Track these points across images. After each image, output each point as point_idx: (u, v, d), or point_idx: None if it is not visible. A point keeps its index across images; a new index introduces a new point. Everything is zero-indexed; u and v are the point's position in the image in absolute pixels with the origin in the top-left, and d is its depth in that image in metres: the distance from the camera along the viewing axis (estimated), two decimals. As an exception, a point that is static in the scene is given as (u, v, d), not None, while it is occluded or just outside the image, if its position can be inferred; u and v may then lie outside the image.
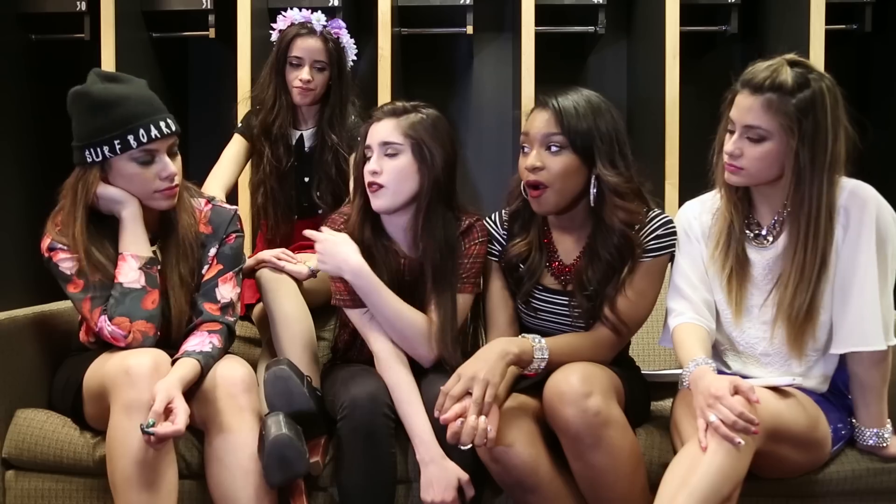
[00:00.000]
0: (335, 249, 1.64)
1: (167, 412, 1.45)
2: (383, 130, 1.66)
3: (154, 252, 1.68)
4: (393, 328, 1.67)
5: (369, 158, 1.67)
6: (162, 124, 1.61)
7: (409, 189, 1.67)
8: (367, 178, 1.66)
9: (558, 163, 1.57)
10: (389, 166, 1.65)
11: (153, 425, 1.41)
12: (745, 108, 1.52)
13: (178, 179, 1.66)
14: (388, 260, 1.70)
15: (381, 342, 1.68)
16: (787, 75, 1.50)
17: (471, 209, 1.77)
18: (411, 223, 1.70)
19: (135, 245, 1.64)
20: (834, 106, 1.51)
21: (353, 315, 1.71)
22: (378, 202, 1.66)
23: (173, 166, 1.64)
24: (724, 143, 1.58)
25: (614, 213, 1.58)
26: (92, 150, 1.60)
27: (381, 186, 1.65)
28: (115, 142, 1.58)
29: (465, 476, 1.57)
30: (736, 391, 1.38)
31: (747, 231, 1.63)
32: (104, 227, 1.66)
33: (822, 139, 1.50)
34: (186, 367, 1.55)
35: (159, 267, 1.68)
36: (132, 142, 1.59)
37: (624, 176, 1.58)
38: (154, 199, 1.66)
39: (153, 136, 1.60)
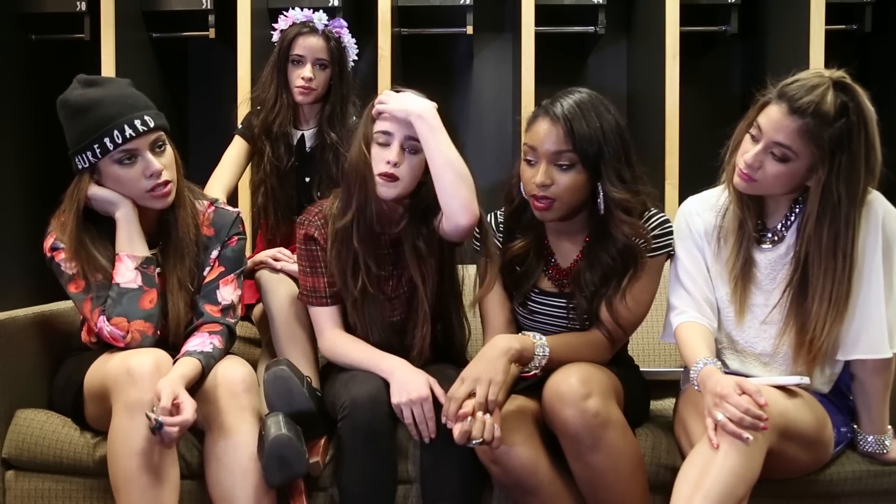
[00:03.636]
0: (407, 97, 1.60)
1: (173, 408, 1.45)
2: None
3: (154, 254, 1.68)
4: (453, 169, 1.60)
5: (382, 145, 1.64)
6: (137, 122, 1.58)
7: (413, 186, 1.68)
8: (385, 168, 1.62)
9: (568, 179, 1.55)
10: (411, 161, 1.64)
11: (161, 424, 1.41)
12: (779, 124, 1.47)
13: (167, 175, 1.63)
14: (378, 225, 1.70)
15: (333, 331, 1.73)
16: (830, 104, 1.44)
17: None
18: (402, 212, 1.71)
19: (130, 245, 1.64)
20: (868, 141, 1.48)
21: (317, 311, 1.74)
22: (390, 192, 1.65)
23: (157, 163, 1.61)
24: (743, 145, 1.55)
25: (619, 227, 1.56)
26: (80, 156, 1.61)
27: (395, 179, 1.63)
28: (95, 146, 1.58)
29: (433, 378, 1.58)
30: (742, 392, 1.37)
31: (753, 232, 1.62)
32: (104, 229, 1.66)
33: (857, 172, 1.48)
34: (187, 366, 1.55)
35: (159, 268, 1.67)
36: (108, 144, 1.57)
37: (630, 190, 1.56)
38: (147, 200, 1.64)
39: (128, 136, 1.57)
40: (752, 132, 1.53)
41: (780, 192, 1.57)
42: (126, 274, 1.62)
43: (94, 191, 1.63)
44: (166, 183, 1.63)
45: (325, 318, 1.75)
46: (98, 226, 1.66)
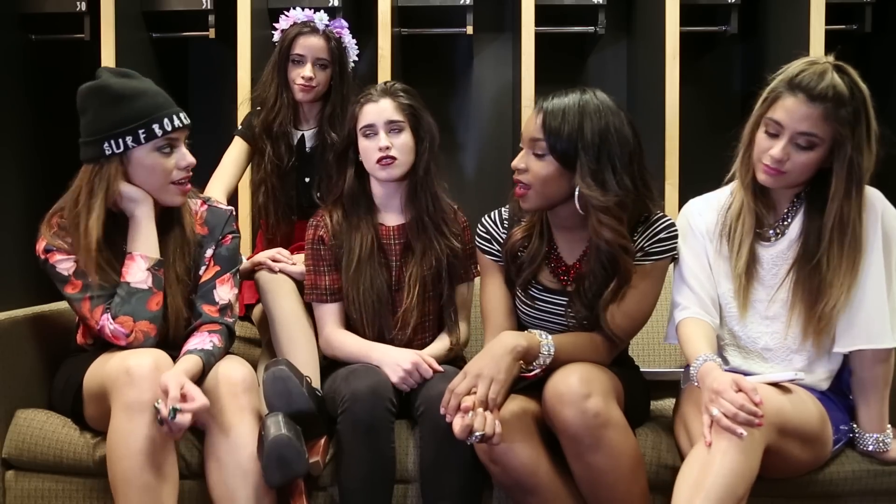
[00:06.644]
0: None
1: (182, 399, 1.47)
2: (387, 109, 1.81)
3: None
4: None
5: (368, 136, 1.81)
6: (182, 115, 1.67)
7: (410, 161, 1.84)
8: (380, 154, 1.79)
9: (541, 168, 1.56)
10: (398, 142, 1.80)
11: (175, 413, 1.44)
12: (800, 115, 1.51)
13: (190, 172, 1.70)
14: (367, 224, 1.85)
15: (332, 327, 1.85)
16: (842, 86, 1.50)
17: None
18: (403, 191, 1.87)
19: (145, 246, 1.65)
20: (869, 117, 1.53)
21: (319, 307, 1.86)
22: (393, 172, 1.81)
23: (190, 156, 1.68)
24: (759, 143, 1.58)
25: (598, 230, 1.55)
26: (112, 141, 1.61)
27: (393, 159, 1.80)
28: (140, 131, 1.61)
29: (418, 352, 1.75)
30: (739, 389, 1.38)
31: (757, 229, 1.65)
32: (110, 225, 1.66)
33: (869, 144, 1.53)
34: (188, 363, 1.57)
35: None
36: (157, 130, 1.62)
37: (610, 191, 1.53)
38: (168, 193, 1.67)
39: (176, 126, 1.64)
40: (768, 130, 1.56)
41: (804, 179, 1.59)
42: (138, 274, 1.63)
43: (123, 187, 1.64)
44: (190, 178, 1.69)
45: (327, 314, 1.85)
46: (108, 234, 1.66)
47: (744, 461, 1.36)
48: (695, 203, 1.75)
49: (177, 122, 1.64)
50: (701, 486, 1.35)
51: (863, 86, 1.54)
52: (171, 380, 1.48)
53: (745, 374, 1.60)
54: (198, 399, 1.48)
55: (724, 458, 1.36)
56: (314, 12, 2.16)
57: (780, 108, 1.54)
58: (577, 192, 1.56)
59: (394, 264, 1.85)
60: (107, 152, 1.62)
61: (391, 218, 1.88)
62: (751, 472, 1.38)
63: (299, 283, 1.91)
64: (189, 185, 1.70)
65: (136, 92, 1.63)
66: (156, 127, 1.62)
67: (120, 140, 1.61)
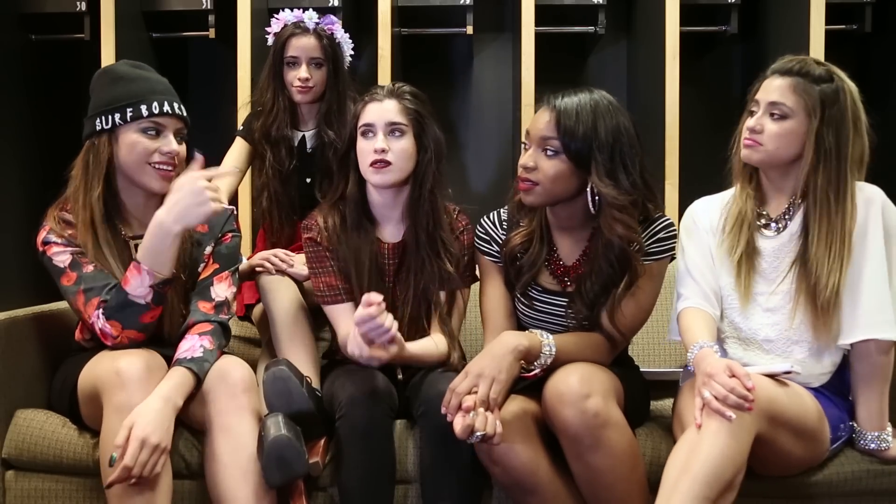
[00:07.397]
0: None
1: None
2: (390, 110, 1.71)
3: (175, 274, 1.63)
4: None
5: (366, 136, 1.71)
6: (175, 104, 1.68)
7: (408, 169, 1.73)
8: (374, 156, 1.69)
9: (552, 166, 1.57)
10: (396, 146, 1.70)
11: (114, 461, 1.41)
12: (771, 88, 1.63)
13: (177, 161, 1.68)
14: (365, 240, 1.76)
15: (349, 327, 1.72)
16: (815, 68, 1.62)
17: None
18: (402, 203, 1.77)
19: (154, 258, 1.57)
20: (854, 105, 1.60)
21: (333, 309, 1.76)
22: (387, 178, 1.70)
23: (176, 146, 1.67)
24: (744, 125, 1.67)
25: (612, 226, 1.56)
26: (103, 117, 1.64)
27: (388, 164, 1.69)
28: (128, 109, 1.63)
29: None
30: (732, 374, 1.40)
31: (757, 221, 1.68)
32: (111, 207, 1.67)
33: (846, 130, 1.59)
34: (175, 379, 1.54)
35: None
36: (143, 111, 1.64)
37: (623, 189, 1.54)
38: (146, 173, 1.65)
39: (164, 111, 1.65)
40: (750, 109, 1.67)
41: (784, 156, 1.64)
42: (138, 288, 1.58)
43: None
44: (173, 167, 1.67)
45: (344, 314, 1.75)
46: (111, 211, 1.67)
47: (733, 444, 1.37)
48: (700, 203, 1.80)
49: (166, 108, 1.65)
50: (688, 468, 1.36)
51: (847, 79, 1.62)
52: (126, 422, 1.44)
53: (744, 365, 1.61)
54: (123, 461, 1.41)
55: (714, 440, 1.37)
56: (303, 12, 2.15)
57: (760, 89, 1.66)
58: (589, 190, 1.57)
59: (388, 283, 1.80)
60: (97, 128, 1.64)
61: (389, 233, 1.80)
62: (740, 456, 1.38)
63: (300, 283, 1.91)
64: (172, 175, 1.66)
65: (136, 76, 1.68)
66: (143, 107, 1.63)
67: (109, 116, 1.64)
